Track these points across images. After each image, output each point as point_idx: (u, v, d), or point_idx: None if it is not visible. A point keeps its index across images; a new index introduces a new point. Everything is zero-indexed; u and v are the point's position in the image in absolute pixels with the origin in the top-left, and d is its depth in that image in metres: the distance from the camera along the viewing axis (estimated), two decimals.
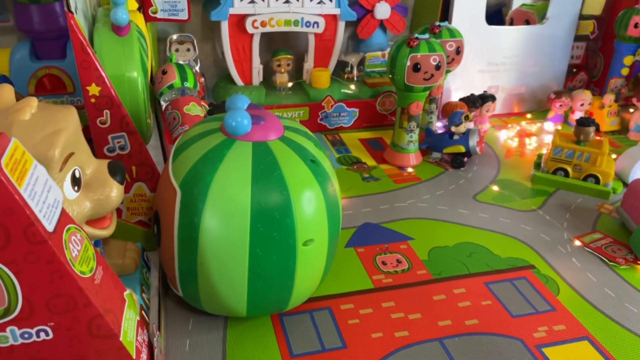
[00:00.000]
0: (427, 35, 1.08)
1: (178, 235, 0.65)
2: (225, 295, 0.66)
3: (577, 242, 0.94)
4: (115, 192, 0.61)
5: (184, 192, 0.64)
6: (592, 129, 1.08)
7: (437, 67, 1.06)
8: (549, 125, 1.39)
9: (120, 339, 0.52)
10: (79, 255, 0.50)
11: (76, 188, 0.58)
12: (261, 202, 0.62)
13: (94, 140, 0.74)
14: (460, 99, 1.29)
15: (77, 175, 0.58)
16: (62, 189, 0.56)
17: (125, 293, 0.57)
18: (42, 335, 0.49)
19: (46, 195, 0.47)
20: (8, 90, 0.58)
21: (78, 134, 0.59)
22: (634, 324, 0.77)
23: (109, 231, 0.63)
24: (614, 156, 1.18)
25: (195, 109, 1.09)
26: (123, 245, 0.75)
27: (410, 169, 1.17)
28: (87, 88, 0.71)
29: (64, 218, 0.50)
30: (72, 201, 0.58)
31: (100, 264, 0.53)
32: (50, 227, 0.46)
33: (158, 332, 0.62)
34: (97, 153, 0.75)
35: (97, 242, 0.69)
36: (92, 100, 0.72)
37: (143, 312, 0.69)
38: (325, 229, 0.67)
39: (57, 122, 0.56)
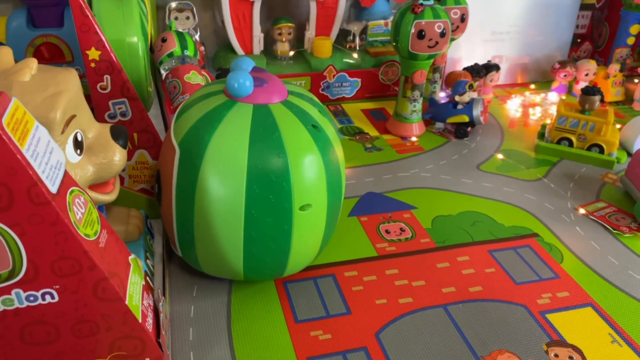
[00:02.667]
0: (431, 2, 1.06)
1: (176, 194, 0.65)
2: (221, 256, 0.66)
3: (582, 211, 0.94)
4: (118, 156, 0.60)
5: (183, 151, 0.64)
6: (597, 97, 1.07)
7: (442, 35, 1.05)
8: (553, 96, 1.37)
9: (126, 302, 0.52)
10: (83, 217, 0.49)
11: (78, 151, 0.57)
12: (258, 164, 0.61)
13: (95, 106, 0.73)
14: (464, 69, 1.27)
15: (79, 138, 0.57)
16: (65, 152, 0.55)
17: (130, 257, 0.57)
18: (48, 298, 0.49)
19: (49, 157, 0.47)
20: (6, 52, 0.57)
21: (79, 97, 0.58)
22: (637, 290, 0.77)
23: (111, 196, 0.63)
24: (618, 126, 1.17)
25: (196, 77, 1.08)
26: (126, 212, 0.74)
27: (413, 138, 1.16)
28: (87, 52, 0.70)
29: (67, 180, 0.49)
30: (74, 165, 0.57)
31: (105, 228, 0.53)
32: (53, 188, 0.46)
33: (163, 297, 0.62)
34: (98, 119, 0.73)
35: (100, 209, 0.68)
36: (92, 65, 0.71)
37: (147, 278, 0.69)
38: (324, 195, 0.66)
39: (57, 83, 0.55)
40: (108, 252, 0.52)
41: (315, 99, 0.72)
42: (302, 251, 0.68)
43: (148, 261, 0.72)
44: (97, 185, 0.62)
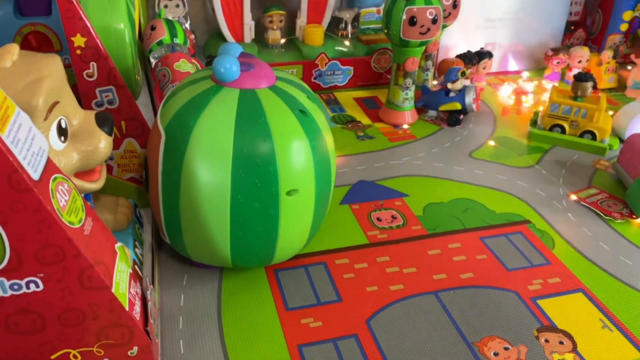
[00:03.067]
0: None
1: (162, 180, 0.65)
2: (209, 242, 0.66)
3: (573, 197, 0.93)
4: (103, 143, 0.60)
5: (168, 136, 0.63)
6: (589, 84, 1.06)
7: (434, 21, 1.04)
8: (546, 83, 1.37)
9: (113, 290, 0.51)
10: (67, 205, 0.48)
11: (62, 139, 0.57)
12: (243, 148, 0.61)
13: (81, 94, 0.72)
14: (457, 56, 1.27)
15: (63, 125, 0.56)
16: (48, 139, 0.54)
17: (116, 246, 0.57)
18: (32, 287, 0.49)
19: (30, 143, 0.46)
20: None
21: (63, 83, 0.58)
22: (628, 276, 0.77)
23: (98, 184, 0.62)
24: (610, 113, 1.16)
25: (186, 65, 1.06)
26: (115, 201, 0.74)
27: (405, 126, 1.15)
28: (72, 39, 0.69)
29: (50, 167, 0.48)
30: (59, 152, 0.56)
31: (90, 215, 0.52)
32: (35, 175, 0.45)
33: (151, 286, 0.61)
34: (84, 107, 0.72)
35: (88, 197, 0.68)
36: (78, 52, 0.70)
37: (136, 266, 0.69)
38: (312, 181, 0.65)
39: (40, 69, 0.54)
40: (93, 240, 0.51)
41: (305, 85, 0.72)
42: (290, 237, 0.68)
43: (137, 250, 0.72)
44: (83, 173, 0.61)
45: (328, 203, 0.72)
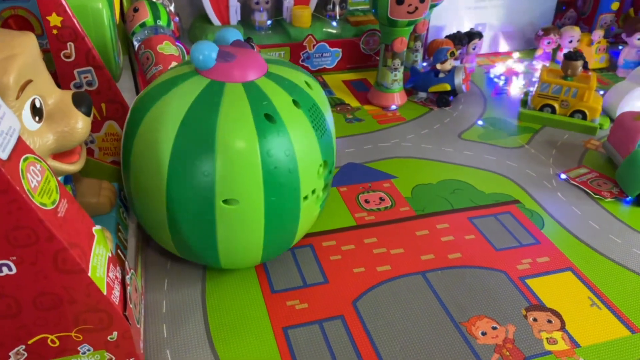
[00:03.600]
0: None
1: (122, 157, 0.65)
2: (155, 229, 0.65)
3: (563, 177, 0.93)
4: (80, 123, 0.58)
5: (131, 114, 0.64)
6: (579, 62, 1.05)
7: (422, 0, 1.02)
8: (537, 64, 1.35)
9: (89, 274, 0.50)
10: (38, 186, 0.47)
11: (37, 119, 0.55)
12: (184, 144, 0.57)
13: (59, 75, 0.70)
14: (446, 37, 1.25)
15: (37, 104, 0.55)
16: (21, 118, 0.53)
17: (94, 228, 0.55)
18: (5, 270, 0.47)
19: None
20: None
21: (37, 61, 0.56)
22: (617, 254, 0.76)
23: (76, 166, 0.61)
24: (601, 92, 1.15)
25: (170, 48, 1.04)
26: (97, 184, 0.72)
27: (393, 107, 1.14)
28: (48, 18, 0.67)
29: (21, 147, 0.47)
30: (33, 132, 0.54)
31: (65, 197, 0.51)
32: (3, 154, 0.43)
33: (132, 270, 0.60)
34: (63, 89, 0.71)
35: (69, 179, 0.66)
36: (54, 31, 0.68)
37: (119, 251, 0.67)
38: (259, 193, 0.58)
39: (12, 47, 0.52)
40: (68, 223, 0.50)
41: (304, 84, 0.64)
42: (234, 247, 0.63)
43: (120, 234, 0.71)
44: (61, 154, 0.60)
45: (296, 218, 0.63)
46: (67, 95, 0.59)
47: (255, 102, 0.59)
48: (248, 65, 0.62)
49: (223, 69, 0.61)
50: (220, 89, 0.60)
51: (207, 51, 0.60)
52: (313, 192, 0.64)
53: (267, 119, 0.58)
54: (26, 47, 0.54)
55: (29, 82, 0.53)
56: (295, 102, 0.61)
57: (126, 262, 0.59)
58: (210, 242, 0.62)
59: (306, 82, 0.65)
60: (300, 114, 0.61)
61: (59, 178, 0.62)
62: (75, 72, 0.70)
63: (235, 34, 0.66)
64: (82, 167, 0.64)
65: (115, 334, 0.54)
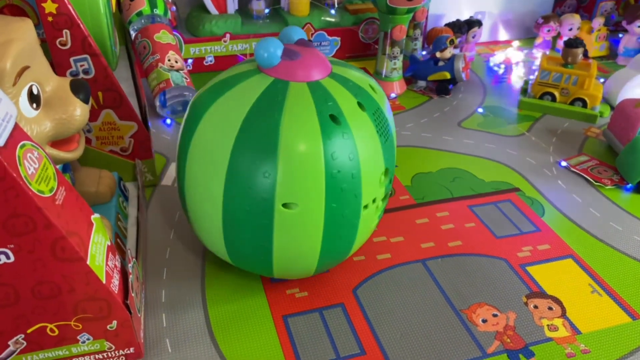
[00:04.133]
0: None
1: (178, 154, 0.62)
2: (207, 233, 0.62)
3: (564, 163, 0.92)
4: (78, 110, 0.57)
5: (190, 111, 0.61)
6: (580, 50, 1.04)
7: None
8: (537, 52, 1.35)
9: (88, 262, 0.50)
10: (36, 173, 0.46)
11: (35, 105, 0.54)
12: (244, 147, 0.55)
13: (55, 63, 0.69)
14: (446, 25, 1.24)
15: (35, 91, 0.54)
16: (18, 105, 0.52)
17: (92, 217, 0.55)
18: (3, 258, 0.47)
19: None
20: None
21: (34, 48, 0.55)
22: (618, 241, 0.76)
23: (75, 154, 0.60)
24: (601, 80, 1.15)
25: (167, 36, 1.04)
26: (97, 173, 0.72)
27: (393, 95, 1.13)
28: (43, 5, 0.66)
29: (18, 134, 0.46)
30: (30, 120, 0.54)
31: (63, 185, 0.50)
32: (0, 141, 0.43)
33: (134, 259, 0.60)
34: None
35: (67, 168, 0.66)
36: (49, 18, 0.67)
37: (119, 240, 0.67)
38: (320, 198, 0.55)
39: (8, 32, 0.52)
40: (66, 210, 0.49)
41: (366, 88, 0.60)
42: (290, 254, 0.59)
43: (119, 223, 0.70)
44: (59, 142, 0.59)
45: (355, 227, 0.59)
46: (65, 82, 0.58)
47: (320, 102, 0.55)
48: (312, 65, 0.59)
49: (287, 68, 0.58)
50: (284, 87, 0.56)
51: (272, 48, 0.57)
52: (373, 201, 0.59)
53: (332, 120, 0.55)
54: (23, 33, 0.54)
55: (26, 68, 0.53)
56: (360, 105, 0.57)
57: (128, 251, 0.59)
58: (265, 248, 0.58)
59: (370, 86, 0.61)
60: (365, 117, 0.57)
61: (58, 166, 0.62)
62: (71, 60, 0.70)
63: (299, 33, 0.63)
64: (81, 156, 0.63)
65: (114, 322, 0.54)
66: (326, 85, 0.57)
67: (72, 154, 0.60)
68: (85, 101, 0.59)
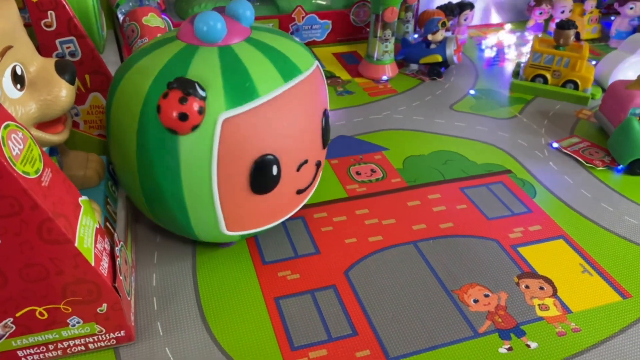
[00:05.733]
0: None
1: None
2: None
3: (555, 145, 0.92)
4: (64, 91, 0.56)
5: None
6: (572, 31, 1.04)
7: None
8: (529, 35, 1.34)
9: (76, 245, 0.49)
10: (20, 154, 0.46)
11: (19, 86, 0.53)
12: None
13: (41, 45, 0.68)
14: (438, 7, 1.23)
15: (18, 72, 0.53)
16: (2, 86, 0.51)
17: (80, 199, 0.54)
18: None
19: None
20: None
21: (17, 28, 0.54)
22: (608, 222, 0.76)
23: (61, 137, 0.59)
24: (593, 62, 1.15)
25: (155, 20, 1.02)
26: (84, 157, 0.71)
27: (384, 77, 1.12)
28: None
29: (2, 114, 0.45)
30: (14, 101, 0.53)
31: (49, 167, 0.50)
32: None
33: (122, 242, 0.59)
34: None
35: (54, 152, 0.65)
36: None
37: (108, 223, 0.66)
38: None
39: None
40: (53, 192, 0.49)
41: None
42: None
43: (108, 207, 0.69)
44: (46, 124, 0.58)
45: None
46: (50, 63, 0.57)
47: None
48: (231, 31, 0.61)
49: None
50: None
51: (212, 22, 0.58)
52: None
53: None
54: (5, 13, 0.52)
55: (9, 48, 0.52)
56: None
57: (115, 234, 0.59)
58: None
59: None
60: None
61: (44, 149, 0.61)
62: (57, 42, 0.69)
63: (246, 6, 0.63)
64: (69, 140, 0.62)
65: (104, 305, 0.54)
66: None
67: (58, 137, 0.59)
68: (71, 82, 0.58)
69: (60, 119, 0.60)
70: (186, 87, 0.53)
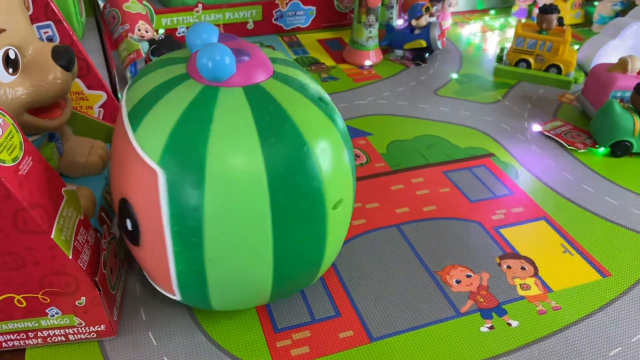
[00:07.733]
0: None
1: (172, 230, 0.47)
2: (244, 288, 0.52)
3: (538, 128, 0.93)
4: (58, 78, 0.55)
5: (169, 171, 0.45)
6: (554, 15, 1.04)
7: None
8: (513, 20, 1.34)
9: (52, 236, 0.48)
10: None
11: (11, 70, 0.52)
12: (278, 166, 0.46)
13: None
14: None
15: (11, 55, 0.52)
16: None
17: (64, 189, 0.53)
18: None
19: None
20: None
21: (13, 10, 0.53)
22: (589, 202, 0.77)
23: (56, 122, 0.58)
24: (576, 47, 1.15)
25: (136, 6, 1.01)
26: (89, 144, 0.68)
27: (368, 62, 1.12)
28: None
29: None
30: (5, 84, 0.52)
31: (30, 155, 0.49)
32: None
33: (112, 235, 0.58)
34: None
35: (54, 137, 0.63)
36: None
37: (103, 213, 0.65)
38: (350, 183, 0.52)
39: None
40: (31, 181, 0.48)
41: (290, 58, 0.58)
42: (332, 255, 0.55)
43: (107, 196, 0.68)
44: (41, 109, 0.57)
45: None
46: (47, 47, 0.56)
47: (301, 90, 0.49)
48: (259, 58, 0.51)
49: (242, 71, 0.49)
50: (262, 91, 0.48)
51: (227, 57, 0.47)
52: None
53: (321, 102, 0.50)
54: None
55: (2, 31, 0.51)
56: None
57: (104, 226, 0.57)
58: (318, 260, 0.53)
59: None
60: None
61: (41, 135, 0.60)
62: (34, 26, 0.68)
63: (211, 29, 0.52)
64: (76, 126, 0.59)
65: (83, 299, 0.53)
66: (286, 73, 0.51)
67: (52, 122, 0.58)
68: (67, 68, 0.56)
69: (58, 104, 0.59)
70: None
